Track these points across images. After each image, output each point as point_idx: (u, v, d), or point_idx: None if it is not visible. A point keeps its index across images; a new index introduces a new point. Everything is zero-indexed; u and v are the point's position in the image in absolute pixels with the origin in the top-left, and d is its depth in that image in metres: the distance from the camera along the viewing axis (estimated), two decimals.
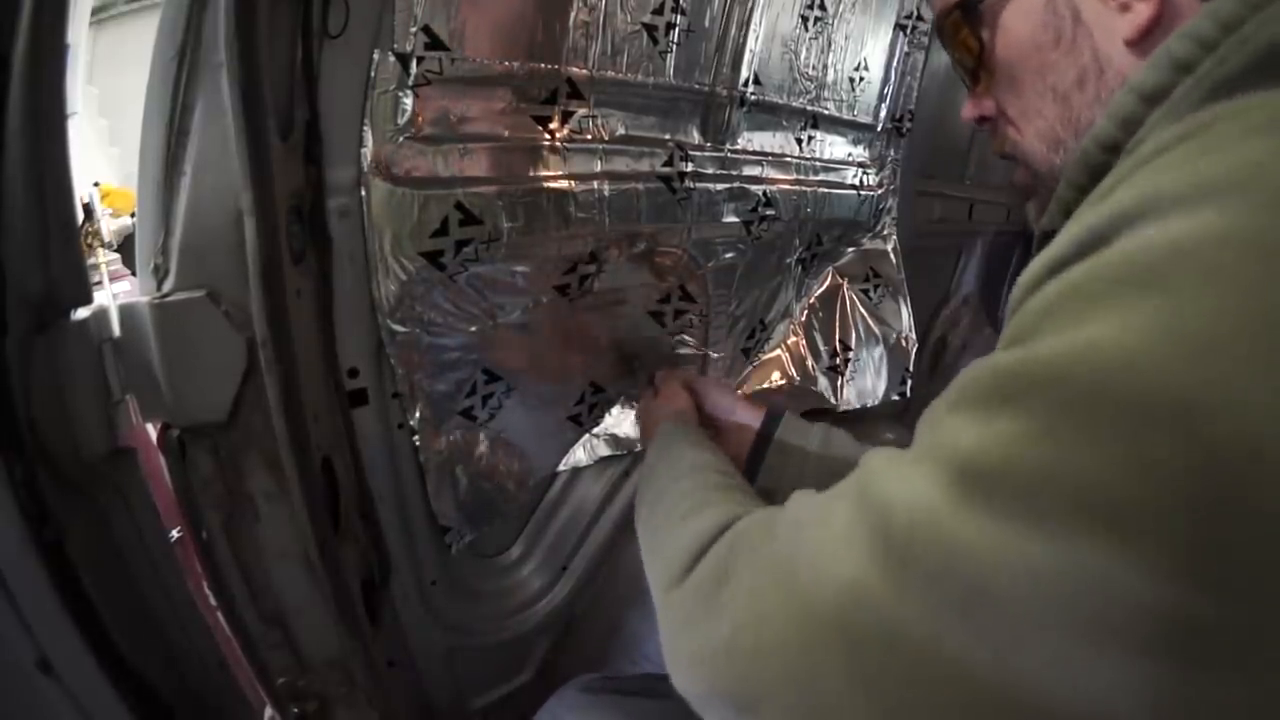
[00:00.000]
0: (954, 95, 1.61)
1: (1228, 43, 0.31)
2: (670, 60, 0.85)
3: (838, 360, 1.33)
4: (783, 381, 1.26)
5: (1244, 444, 0.22)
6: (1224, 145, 0.27)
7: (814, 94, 1.10)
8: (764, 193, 1.04)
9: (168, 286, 0.51)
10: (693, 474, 0.57)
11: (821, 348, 1.32)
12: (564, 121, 0.78)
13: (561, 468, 0.99)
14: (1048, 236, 0.37)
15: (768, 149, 1.06)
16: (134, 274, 0.58)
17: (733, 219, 1.00)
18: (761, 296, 1.15)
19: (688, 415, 0.75)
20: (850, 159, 1.24)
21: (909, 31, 1.23)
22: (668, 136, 0.90)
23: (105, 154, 3.17)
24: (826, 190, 1.18)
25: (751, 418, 0.76)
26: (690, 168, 0.91)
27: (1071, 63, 0.42)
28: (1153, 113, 0.34)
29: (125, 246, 2.15)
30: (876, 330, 1.38)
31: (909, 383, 1.40)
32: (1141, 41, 0.39)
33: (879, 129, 1.28)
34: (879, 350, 1.38)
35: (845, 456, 0.72)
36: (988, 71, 0.48)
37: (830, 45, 1.10)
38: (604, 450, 1.01)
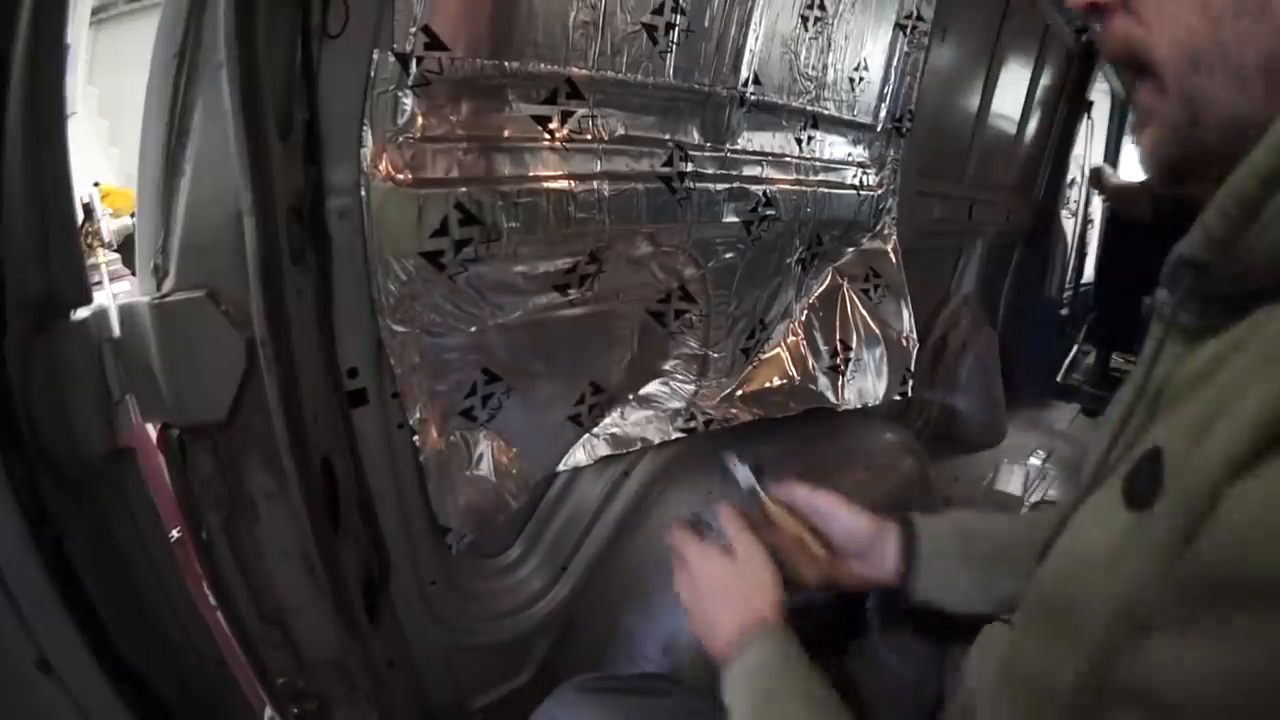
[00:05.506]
0: (954, 95, 1.61)
1: None
2: (670, 60, 0.85)
3: (838, 360, 1.33)
4: (783, 381, 1.25)
5: None
6: None
7: (814, 94, 1.10)
8: (764, 193, 1.04)
9: (168, 286, 0.51)
10: None
11: (822, 347, 1.32)
12: (564, 121, 0.78)
13: (561, 468, 0.99)
14: (1189, 264, 0.31)
15: (768, 149, 1.05)
16: (134, 274, 0.58)
17: (733, 219, 1.00)
18: (761, 296, 1.15)
19: (772, 620, 0.55)
20: (850, 159, 1.24)
21: (909, 31, 1.23)
22: (667, 136, 0.90)
23: (105, 154, 3.17)
24: (826, 190, 1.18)
25: (874, 525, 0.63)
26: (690, 168, 0.91)
27: None
28: None
29: (125, 246, 2.15)
30: (877, 330, 1.38)
31: (909, 382, 1.40)
32: None
33: (879, 129, 1.28)
34: (879, 350, 1.38)
35: (991, 547, 0.61)
36: None
37: (830, 45, 1.10)
38: (604, 450, 1.01)
